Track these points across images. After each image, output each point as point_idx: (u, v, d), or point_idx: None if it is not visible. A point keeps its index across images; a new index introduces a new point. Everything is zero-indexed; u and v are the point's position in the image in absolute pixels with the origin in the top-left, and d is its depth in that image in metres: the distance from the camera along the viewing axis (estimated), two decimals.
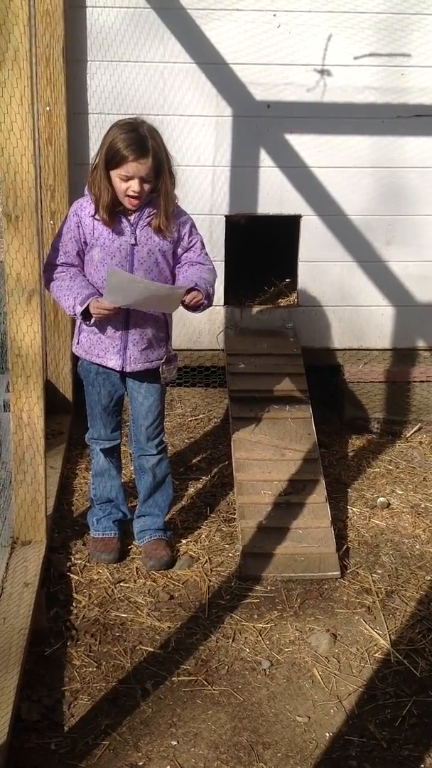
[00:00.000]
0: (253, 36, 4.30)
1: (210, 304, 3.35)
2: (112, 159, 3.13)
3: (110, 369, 3.42)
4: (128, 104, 4.35)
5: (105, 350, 3.38)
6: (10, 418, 3.20)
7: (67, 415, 4.53)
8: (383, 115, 4.44)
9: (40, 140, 4.13)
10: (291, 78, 4.37)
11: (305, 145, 4.47)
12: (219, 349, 4.71)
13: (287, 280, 4.91)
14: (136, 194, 3.17)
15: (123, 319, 3.32)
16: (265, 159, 4.49)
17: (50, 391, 4.41)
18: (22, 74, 2.82)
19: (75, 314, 3.28)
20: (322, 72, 4.38)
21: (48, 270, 3.31)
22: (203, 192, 4.48)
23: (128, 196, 3.18)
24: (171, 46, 4.29)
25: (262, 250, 5.10)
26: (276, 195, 4.54)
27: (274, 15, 4.28)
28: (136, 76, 4.32)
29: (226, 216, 4.56)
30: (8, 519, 3.31)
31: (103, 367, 3.42)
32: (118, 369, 3.40)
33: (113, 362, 3.39)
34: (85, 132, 4.38)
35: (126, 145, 3.10)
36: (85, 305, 3.22)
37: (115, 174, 3.15)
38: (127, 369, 3.40)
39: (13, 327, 3.09)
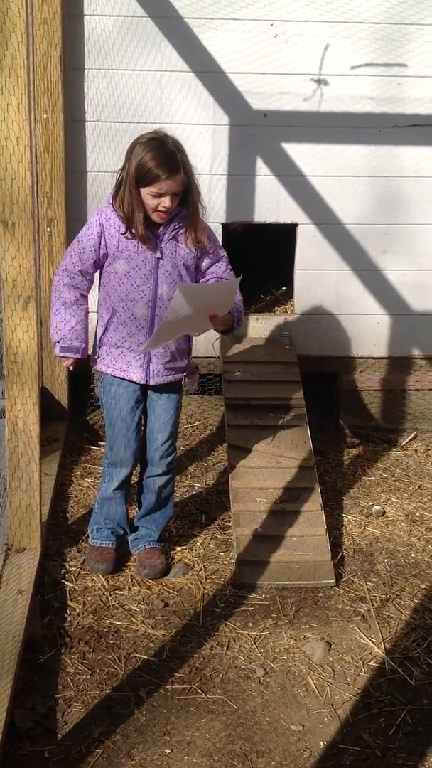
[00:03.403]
0: (250, 45, 4.32)
1: (238, 328, 3.46)
2: (143, 177, 3.09)
3: (133, 382, 3.39)
4: (125, 112, 4.36)
5: (128, 364, 3.35)
6: (5, 424, 3.20)
7: (62, 422, 4.53)
8: (380, 124, 4.46)
9: (37, 147, 4.15)
10: (288, 87, 4.39)
11: (302, 153, 4.49)
12: (215, 357, 4.71)
13: (283, 288, 4.92)
14: (167, 210, 3.15)
15: (147, 332, 3.30)
16: (261, 167, 4.50)
17: (46, 398, 4.41)
18: (19, 81, 2.83)
19: (52, 339, 3.38)
20: (319, 81, 4.40)
21: (62, 275, 3.29)
22: None
23: (158, 211, 3.16)
24: (168, 54, 4.31)
25: (258, 258, 5.11)
26: (273, 203, 4.55)
27: (271, 25, 4.30)
28: (133, 84, 4.33)
29: (222, 224, 4.57)
30: (2, 526, 3.31)
31: (125, 380, 3.39)
32: (141, 382, 3.37)
33: (137, 376, 3.36)
34: (82, 139, 4.39)
35: (157, 164, 3.07)
36: (58, 352, 3.34)
37: (146, 191, 3.12)
38: (151, 382, 3.37)
39: (8, 333, 3.09)
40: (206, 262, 3.35)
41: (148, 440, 3.51)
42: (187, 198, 3.20)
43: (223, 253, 3.40)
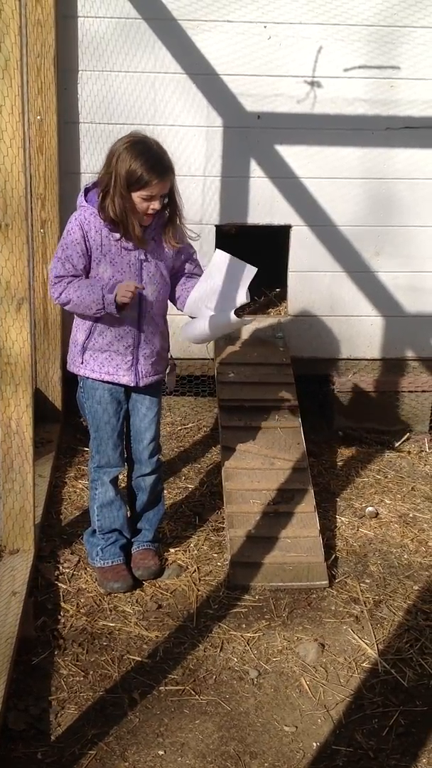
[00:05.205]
0: (243, 47, 4.33)
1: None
2: (135, 182, 3.08)
3: (118, 385, 3.37)
4: (119, 114, 4.36)
5: (116, 367, 3.33)
6: None
7: (56, 424, 4.52)
8: (373, 126, 4.47)
9: (31, 149, 4.15)
10: (281, 89, 4.40)
11: (295, 155, 4.50)
12: (209, 359, 4.72)
13: (277, 289, 4.92)
14: (156, 211, 3.16)
15: (135, 334, 3.30)
16: (255, 169, 4.51)
17: (39, 400, 4.41)
18: (12, 83, 2.83)
19: (104, 306, 3.16)
20: (312, 83, 4.41)
21: (59, 283, 3.22)
22: (194, 202, 4.50)
23: (147, 214, 3.16)
24: (162, 56, 4.31)
25: (252, 260, 5.10)
26: (266, 205, 4.56)
27: (265, 27, 4.31)
28: (126, 85, 4.34)
29: (216, 225, 4.57)
30: None
31: (111, 384, 3.36)
32: (132, 385, 3.36)
33: (126, 379, 3.34)
34: (75, 141, 4.39)
35: (149, 168, 3.07)
36: (115, 292, 3.15)
37: (137, 195, 3.12)
38: (141, 384, 3.36)
39: (2, 335, 3.10)
40: (182, 259, 3.37)
41: (133, 440, 3.50)
42: (170, 198, 3.21)
43: (194, 249, 3.42)
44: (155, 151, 3.12)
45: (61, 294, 3.23)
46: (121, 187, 3.10)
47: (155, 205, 3.14)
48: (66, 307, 3.28)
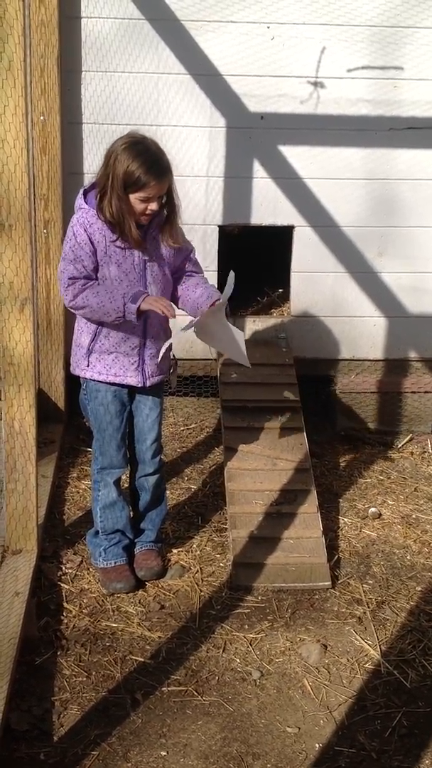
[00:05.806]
0: (247, 48, 4.32)
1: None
2: (133, 184, 3.07)
3: (123, 386, 3.36)
4: (122, 114, 4.37)
5: (123, 369, 3.32)
6: (2, 426, 3.20)
7: (59, 424, 4.53)
8: (376, 127, 4.47)
9: (34, 149, 4.15)
10: (284, 90, 4.40)
11: (298, 156, 4.49)
12: (212, 359, 4.71)
13: (280, 290, 4.92)
14: (153, 212, 3.16)
15: (141, 335, 3.30)
16: (258, 170, 4.51)
17: (42, 400, 4.42)
18: (16, 84, 2.83)
19: (124, 314, 3.15)
20: (315, 84, 4.41)
21: (72, 285, 3.18)
22: (197, 202, 4.50)
23: (145, 214, 3.15)
24: (165, 57, 4.31)
25: (255, 260, 5.11)
26: (269, 205, 4.56)
27: (268, 27, 4.31)
28: (130, 86, 4.34)
29: (219, 226, 4.57)
30: None
31: (117, 385, 3.36)
32: (139, 385, 3.35)
33: (134, 380, 3.34)
34: (79, 141, 4.39)
35: (146, 169, 3.05)
36: (138, 303, 3.13)
37: (134, 197, 3.11)
38: (148, 384, 3.36)
39: (5, 335, 3.09)
40: (181, 258, 3.36)
41: (137, 441, 3.50)
42: (168, 198, 3.21)
43: (192, 246, 3.41)
44: (153, 152, 3.11)
45: (76, 297, 3.19)
46: (118, 188, 3.08)
47: (153, 206, 3.13)
48: (80, 312, 3.23)
